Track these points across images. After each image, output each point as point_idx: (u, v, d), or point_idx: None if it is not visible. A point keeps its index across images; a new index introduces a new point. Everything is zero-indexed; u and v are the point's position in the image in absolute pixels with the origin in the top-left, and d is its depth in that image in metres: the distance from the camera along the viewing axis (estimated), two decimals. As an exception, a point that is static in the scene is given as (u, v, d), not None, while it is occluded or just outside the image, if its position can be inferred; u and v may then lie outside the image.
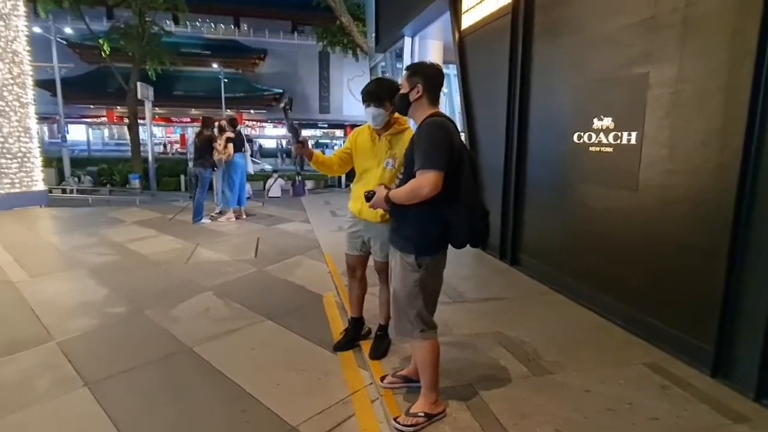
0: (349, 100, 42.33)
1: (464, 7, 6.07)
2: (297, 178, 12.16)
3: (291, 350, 3.24)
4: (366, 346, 3.16)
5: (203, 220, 7.47)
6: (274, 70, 41.97)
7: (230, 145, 7.41)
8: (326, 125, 43.82)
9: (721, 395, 2.56)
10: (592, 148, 3.75)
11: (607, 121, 3.59)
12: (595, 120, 3.70)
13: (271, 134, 42.81)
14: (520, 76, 4.74)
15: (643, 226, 3.27)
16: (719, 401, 2.50)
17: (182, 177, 18.54)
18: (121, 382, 2.84)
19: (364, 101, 2.77)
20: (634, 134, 3.33)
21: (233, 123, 7.81)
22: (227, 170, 7.59)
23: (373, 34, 12.14)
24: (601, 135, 3.65)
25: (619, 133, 3.46)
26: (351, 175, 3.08)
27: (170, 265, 5.20)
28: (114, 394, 2.69)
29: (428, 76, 2.24)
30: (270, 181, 11.97)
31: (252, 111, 40.68)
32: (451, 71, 11.71)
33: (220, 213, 7.86)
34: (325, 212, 8.58)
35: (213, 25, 42.31)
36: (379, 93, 2.70)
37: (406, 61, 8.95)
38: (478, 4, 5.67)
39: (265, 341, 3.36)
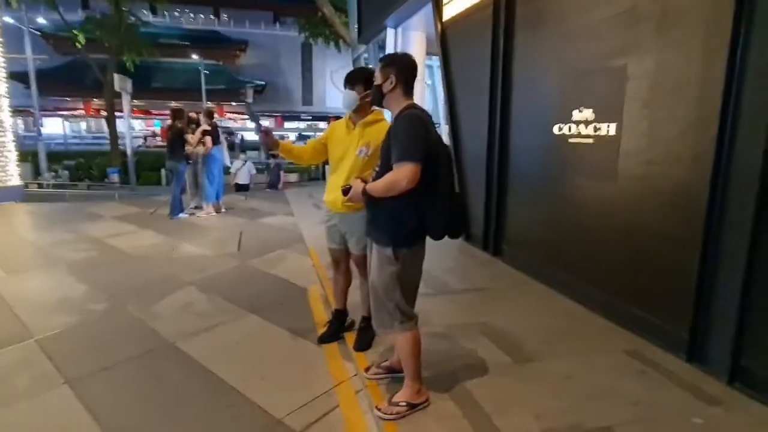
0: (333, 92, 42.01)
1: (446, -1, 6.06)
2: (270, 163, 11.79)
3: (275, 344, 3.23)
4: (350, 338, 3.17)
5: (181, 215, 7.36)
6: (256, 61, 41.40)
7: (208, 138, 7.29)
8: (310, 117, 43.46)
9: (696, 379, 2.64)
10: (572, 140, 3.80)
11: (587, 113, 3.63)
12: (575, 112, 3.74)
13: (251, 126, 42.28)
14: (502, 68, 4.75)
15: (622, 216, 3.33)
16: (694, 385, 2.58)
17: (163, 171, 18.25)
18: (102, 378, 2.80)
19: (344, 84, 2.79)
20: (613, 126, 3.38)
21: (210, 115, 7.69)
22: (205, 164, 7.48)
23: (356, 26, 12.06)
24: (581, 126, 3.69)
25: (599, 125, 3.51)
26: None
27: (151, 260, 5.13)
28: (95, 391, 2.66)
29: (401, 68, 2.23)
30: (237, 164, 11.12)
31: (233, 103, 40.07)
32: (434, 63, 11.74)
33: (196, 207, 7.77)
34: (309, 205, 8.54)
35: (192, 16, 41.48)
36: (351, 76, 2.76)
37: (389, 51, 8.91)
38: (460, -5, 5.67)
39: (249, 335, 3.35)
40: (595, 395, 2.49)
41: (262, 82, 40.09)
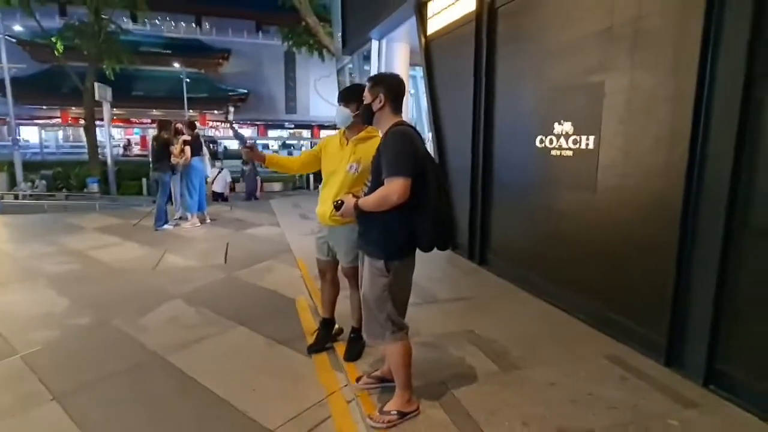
0: (316, 101, 42.17)
1: (429, 13, 6.20)
2: (245, 170, 11.11)
3: (265, 355, 3.25)
4: (340, 348, 3.21)
5: (166, 226, 7.30)
6: (239, 70, 41.31)
7: (187, 149, 7.27)
8: (293, 126, 43.47)
9: (674, 383, 2.75)
10: (554, 152, 3.93)
11: (567, 126, 3.77)
12: (556, 125, 3.88)
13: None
14: (485, 81, 4.88)
15: (602, 225, 3.46)
16: (672, 389, 2.69)
17: (144, 180, 18.00)
18: (91, 393, 2.79)
19: (338, 101, 2.85)
20: (591, 138, 3.51)
21: (191, 126, 7.68)
22: (186, 175, 7.45)
23: (340, 36, 12.16)
24: (562, 139, 3.82)
25: (578, 138, 3.64)
26: (318, 177, 3.14)
27: (136, 273, 5.09)
28: (84, 407, 2.65)
29: (390, 87, 2.32)
30: (213, 172, 10.93)
31: (216, 112, 39.88)
32: (418, 73, 11.90)
33: (181, 218, 7.73)
34: (295, 215, 8.55)
35: (173, 24, 41.20)
36: (346, 94, 2.81)
37: (374, 63, 9.02)
38: (443, 10, 5.80)
39: (238, 347, 3.36)
40: (577, 401, 2.58)
41: (245, 91, 40.00)
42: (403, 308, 2.44)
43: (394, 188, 2.10)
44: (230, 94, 39.40)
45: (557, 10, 3.92)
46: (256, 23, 42.96)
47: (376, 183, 2.24)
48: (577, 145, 3.66)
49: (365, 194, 2.34)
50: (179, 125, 7.53)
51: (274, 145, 39.81)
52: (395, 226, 2.24)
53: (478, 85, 5.01)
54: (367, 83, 2.37)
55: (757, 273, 2.46)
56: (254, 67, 41.69)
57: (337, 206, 2.35)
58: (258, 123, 42.40)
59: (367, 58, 10.43)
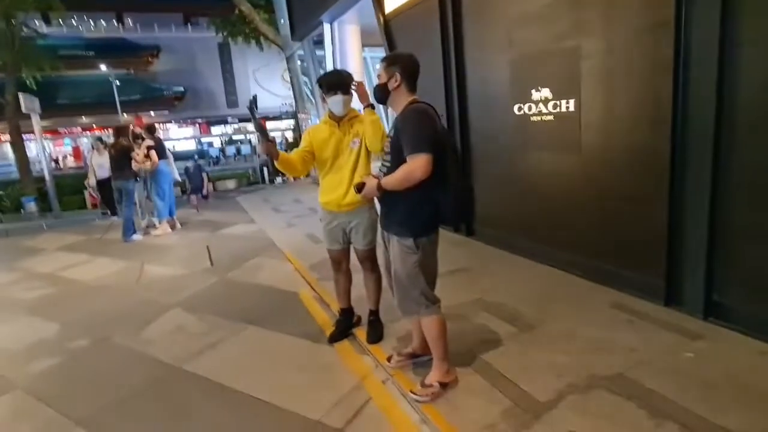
0: (258, 92, 40.87)
1: (386, -9, 6.16)
2: (189, 166, 10.14)
3: (285, 351, 3.23)
4: (359, 333, 3.24)
5: (135, 237, 6.99)
6: (171, 66, 39.32)
7: (153, 153, 6.96)
8: (236, 120, 42.05)
9: (677, 320, 2.99)
10: (534, 118, 4.06)
11: (545, 92, 3.90)
12: (533, 92, 4.00)
13: (179, 135, 40.18)
14: (455, 55, 4.95)
15: (590, 183, 3.64)
16: (677, 325, 2.92)
17: (85, 193, 16.89)
18: (117, 414, 2.68)
19: (329, 91, 2.79)
20: (572, 102, 3.66)
21: (151, 130, 7.34)
22: (154, 180, 7.14)
23: (283, 22, 11.85)
24: (541, 105, 3.96)
25: (558, 102, 3.79)
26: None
27: (119, 289, 4.86)
28: (115, 427, 2.55)
29: (405, 65, 2.34)
30: None
31: (152, 113, 37.91)
32: (368, 55, 11.83)
33: (148, 226, 7.41)
34: (268, 210, 8.40)
35: (93, 23, 38.45)
36: (345, 81, 2.79)
37: (327, 47, 8.88)
38: (401, -14, 5.79)
39: (256, 347, 3.32)
40: (598, 348, 2.76)
41: (182, 89, 38.23)
42: (433, 282, 2.50)
43: (417, 164, 2.14)
44: (165, 93, 37.55)
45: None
46: (183, 15, 40.88)
47: (397, 161, 2.26)
48: (558, 109, 3.81)
49: (385, 174, 2.35)
50: (136, 130, 7.16)
51: (220, 142, 38.51)
52: (420, 203, 2.28)
53: (447, 58, 5.06)
54: (381, 63, 2.37)
55: (744, 206, 2.69)
56: (188, 63, 39.82)
57: (359, 188, 2.37)
58: (199, 121, 40.73)
59: (317, 42, 10.25)
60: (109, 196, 8.67)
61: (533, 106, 4.04)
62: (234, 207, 9.24)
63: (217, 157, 31.71)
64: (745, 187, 2.67)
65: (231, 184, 19.42)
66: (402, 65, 2.33)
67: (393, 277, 2.45)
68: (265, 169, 15.42)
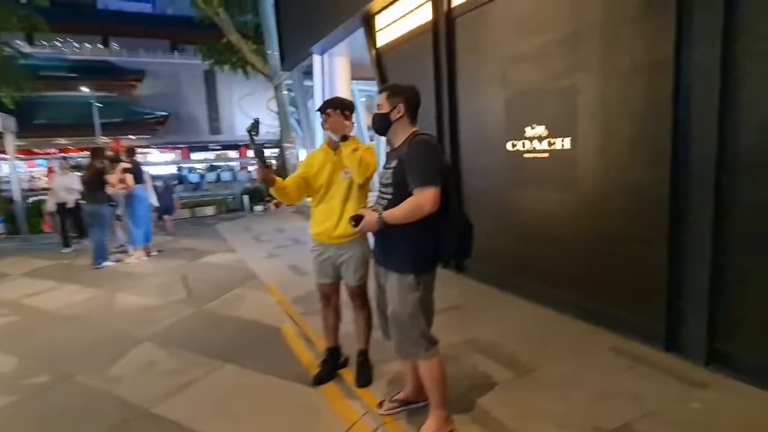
0: (242, 120, 40.85)
1: (379, 25, 6.22)
2: (159, 187, 9.28)
3: (266, 392, 2.99)
4: (347, 374, 3.04)
5: (107, 263, 6.64)
6: (155, 91, 39.07)
7: (129, 177, 6.71)
8: (219, 147, 41.76)
9: (678, 367, 2.88)
10: (527, 155, 4.03)
11: (540, 129, 3.89)
12: (527, 129, 3.99)
13: (158, 160, 39.55)
14: (447, 91, 4.96)
15: (587, 222, 3.58)
16: (679, 372, 2.81)
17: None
18: (75, 465, 2.40)
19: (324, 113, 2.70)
20: (567, 139, 3.64)
21: (131, 152, 7.12)
22: (129, 205, 6.85)
23: (272, 53, 11.93)
24: (535, 142, 3.94)
25: (553, 139, 3.77)
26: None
27: (88, 319, 4.54)
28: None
29: (409, 97, 2.26)
30: None
31: (133, 137, 37.33)
32: (356, 87, 11.93)
33: (121, 252, 7.09)
34: (248, 239, 8.15)
35: (77, 45, 38.20)
36: (341, 106, 2.71)
37: (317, 78, 8.90)
38: (394, 22, 5.85)
39: (234, 388, 3.07)
40: (600, 396, 2.62)
41: (165, 113, 37.92)
42: (431, 322, 2.35)
43: (426, 198, 2.04)
44: (147, 117, 37.15)
45: (517, 19, 4.05)
46: (170, 42, 41.01)
47: (401, 194, 2.14)
48: (553, 147, 3.78)
49: (385, 208, 2.23)
50: (114, 151, 6.93)
51: (200, 168, 38.07)
52: (422, 237, 2.17)
53: (440, 93, 5.07)
54: (383, 93, 2.28)
55: (747, 250, 2.64)
56: (172, 88, 39.63)
57: (357, 221, 2.22)
58: (180, 146, 40.28)
59: (306, 73, 10.29)
60: (73, 222, 8.25)
61: (527, 142, 4.02)
62: (213, 235, 8.96)
63: (196, 183, 31.26)
64: (748, 231, 2.63)
65: (210, 210, 19.06)
66: (406, 96, 2.25)
67: (391, 317, 2.29)
68: (245, 197, 15.19)
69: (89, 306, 4.92)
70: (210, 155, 41.62)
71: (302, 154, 11.63)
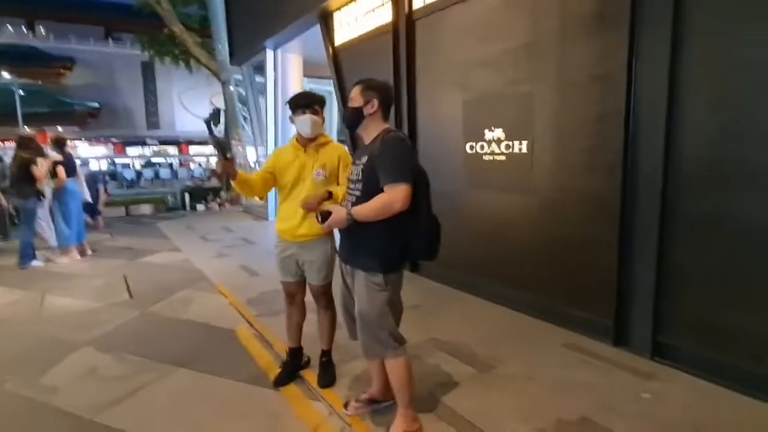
0: (182, 115, 39.16)
1: (337, 24, 6.16)
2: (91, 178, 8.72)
3: (225, 396, 2.84)
4: (308, 375, 2.96)
5: (34, 263, 6.10)
6: (86, 81, 36.60)
7: (61, 169, 6.22)
8: (156, 142, 39.71)
9: (627, 360, 3.06)
10: (486, 157, 4.13)
11: (498, 132, 4.00)
12: (487, 131, 4.09)
13: (88, 154, 36.96)
14: (407, 90, 4.98)
15: (542, 224, 3.72)
16: (629, 365, 2.98)
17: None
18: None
19: (296, 110, 2.63)
20: (525, 143, 3.77)
21: (60, 144, 6.58)
22: (60, 200, 6.33)
23: (221, 48, 11.52)
24: (494, 145, 4.04)
25: (511, 143, 3.89)
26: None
27: (15, 323, 4.13)
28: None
29: (384, 93, 2.24)
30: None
31: (60, 128, 34.67)
32: (307, 85, 11.75)
33: (51, 251, 6.56)
34: (194, 238, 7.77)
35: (-2, 28, 35.06)
36: (311, 101, 2.64)
37: (269, 73, 8.67)
38: (353, 20, 5.81)
39: (189, 393, 2.90)
40: (559, 389, 2.73)
41: (96, 104, 35.58)
42: (398, 321, 2.35)
43: (398, 195, 2.02)
44: (77, 108, 34.70)
45: (477, 25, 4.14)
46: (105, 29, 38.60)
47: (371, 190, 2.11)
48: (510, 150, 3.90)
49: (353, 204, 2.19)
50: (44, 142, 6.37)
51: (136, 164, 36.08)
52: (392, 235, 2.15)
53: (399, 94, 5.08)
54: (356, 86, 2.24)
55: (689, 251, 2.84)
56: (105, 78, 37.28)
57: (324, 217, 2.17)
58: (114, 140, 37.94)
59: (257, 68, 10.01)
60: None
61: (485, 145, 4.12)
62: (154, 233, 8.47)
63: (132, 179, 29.56)
64: (690, 233, 2.83)
65: (147, 209, 18.02)
66: (380, 92, 2.22)
67: (358, 317, 2.25)
68: (187, 194, 14.53)
69: (16, 309, 4.47)
70: (147, 151, 39.53)
71: (251, 152, 11.28)
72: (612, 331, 3.24)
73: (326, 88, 15.51)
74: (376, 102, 2.19)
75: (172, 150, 40.42)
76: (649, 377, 2.83)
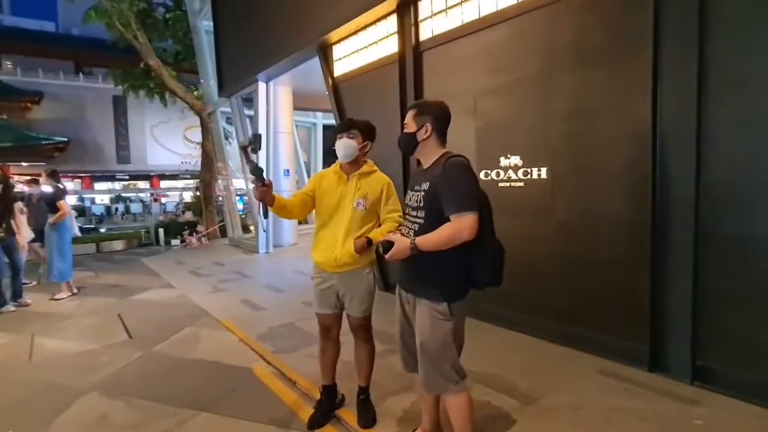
0: (154, 149, 38.45)
1: (336, 56, 6.20)
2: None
3: (256, 442, 2.64)
4: (345, 415, 2.79)
5: (6, 307, 5.57)
6: (55, 115, 35.54)
7: (63, 203, 5.94)
8: (127, 177, 38.69)
9: (667, 386, 2.99)
10: (502, 184, 4.13)
11: (515, 159, 4.02)
12: (502, 159, 4.11)
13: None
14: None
15: (566, 249, 3.69)
16: (670, 391, 2.93)
17: None
18: None
19: (337, 134, 2.58)
20: (544, 169, 3.79)
21: (54, 176, 6.30)
22: (55, 235, 6.00)
23: (203, 81, 11.49)
24: (510, 172, 4.05)
25: (529, 169, 3.90)
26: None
27: (7, 371, 3.78)
28: None
29: (438, 116, 2.20)
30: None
31: (24, 164, 33.38)
32: (295, 118, 11.75)
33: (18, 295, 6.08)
34: (185, 274, 7.44)
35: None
36: (351, 125, 2.58)
37: (261, 106, 8.59)
38: (354, 52, 5.86)
39: (215, 439, 2.68)
40: (610, 419, 2.64)
41: (64, 139, 34.51)
42: (460, 353, 2.23)
43: (465, 224, 1.95)
44: (44, 142, 33.52)
45: (490, 55, 4.21)
46: (75, 63, 37.95)
47: (434, 218, 2.04)
48: (528, 176, 3.91)
49: (415, 233, 2.11)
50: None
51: (105, 199, 35.02)
52: (456, 263, 2.08)
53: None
54: (410, 110, 2.20)
55: (725, 273, 2.86)
56: (74, 113, 36.28)
57: (386, 248, 2.08)
58: (82, 175, 36.74)
59: (247, 100, 9.94)
60: None
61: (501, 172, 4.12)
62: (141, 269, 8.09)
63: (101, 214, 28.58)
64: (724, 254, 2.85)
65: (119, 245, 17.28)
66: (434, 114, 2.19)
67: (420, 349, 2.13)
68: (161, 229, 14.07)
69: (4, 354, 4.11)
70: (117, 185, 38.48)
71: (240, 183, 11.12)
72: (647, 357, 3.19)
73: (311, 120, 15.67)
74: (429, 126, 2.14)
75: (143, 184, 39.45)
76: (694, 403, 2.78)
